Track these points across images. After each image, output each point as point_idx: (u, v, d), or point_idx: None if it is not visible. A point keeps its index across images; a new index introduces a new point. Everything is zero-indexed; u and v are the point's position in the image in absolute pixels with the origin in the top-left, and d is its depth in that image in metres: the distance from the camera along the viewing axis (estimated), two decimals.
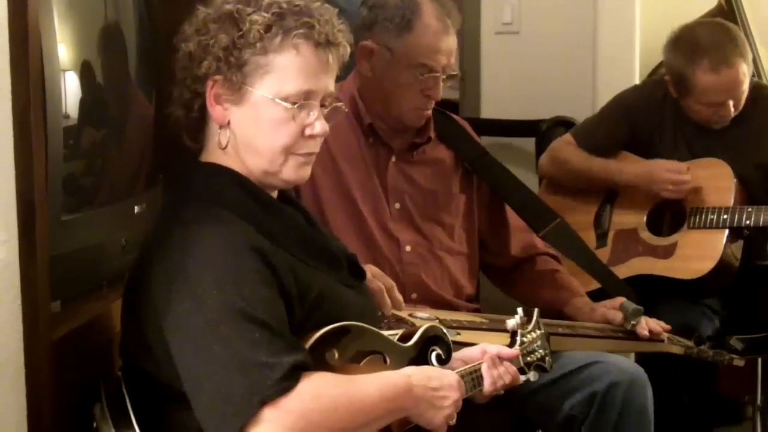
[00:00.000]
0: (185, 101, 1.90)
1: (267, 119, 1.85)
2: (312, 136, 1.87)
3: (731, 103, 3.19)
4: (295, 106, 1.84)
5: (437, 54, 2.62)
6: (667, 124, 3.36)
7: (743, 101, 3.23)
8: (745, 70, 3.18)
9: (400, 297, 2.32)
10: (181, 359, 1.71)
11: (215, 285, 1.71)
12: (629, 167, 3.32)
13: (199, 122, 1.91)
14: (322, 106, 1.88)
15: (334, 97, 1.92)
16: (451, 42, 2.65)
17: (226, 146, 1.87)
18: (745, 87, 3.20)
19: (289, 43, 1.83)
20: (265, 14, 1.83)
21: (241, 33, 1.83)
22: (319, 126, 1.87)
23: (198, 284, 1.72)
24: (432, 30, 2.63)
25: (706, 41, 3.19)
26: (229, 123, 1.87)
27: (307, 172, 1.91)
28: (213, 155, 1.90)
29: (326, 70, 1.87)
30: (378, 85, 2.67)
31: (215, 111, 1.87)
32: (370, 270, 2.26)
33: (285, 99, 1.83)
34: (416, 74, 2.62)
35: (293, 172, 1.89)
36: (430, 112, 2.71)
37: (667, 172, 3.23)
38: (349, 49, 1.93)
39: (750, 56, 3.22)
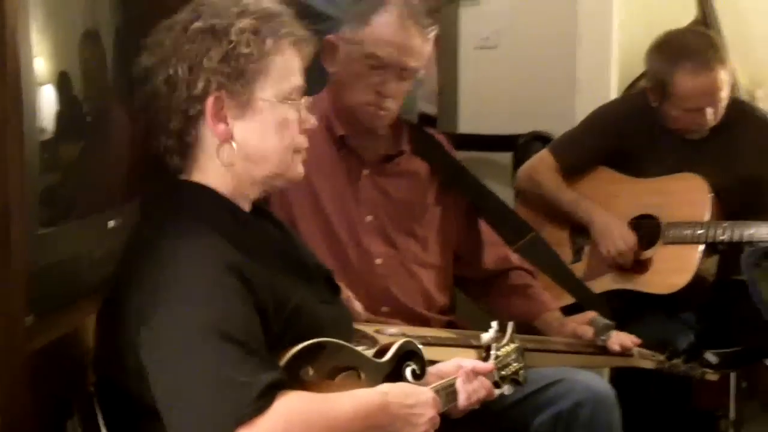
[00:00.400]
0: (177, 129, 1.88)
1: (274, 122, 1.87)
2: (306, 130, 1.92)
3: (709, 111, 3.21)
4: (297, 103, 1.89)
5: (389, 47, 2.62)
6: (646, 135, 3.38)
7: (721, 111, 3.26)
8: (725, 77, 3.21)
9: (358, 308, 2.33)
10: (155, 376, 1.71)
11: (191, 302, 1.71)
12: (593, 211, 3.33)
13: (191, 144, 1.90)
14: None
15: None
16: (408, 40, 2.63)
17: (231, 162, 1.87)
18: (724, 95, 3.23)
19: (278, 43, 1.87)
20: (247, 20, 1.85)
21: (232, 44, 1.84)
22: (312, 119, 1.94)
23: (174, 300, 1.71)
24: (388, 24, 2.63)
25: (689, 46, 3.24)
26: (231, 137, 1.87)
27: (302, 167, 1.96)
28: (196, 170, 1.90)
29: (304, 65, 1.93)
30: (337, 78, 2.69)
31: (218, 128, 1.86)
32: None
33: (287, 98, 1.88)
34: (367, 66, 2.62)
35: (295, 169, 1.94)
36: (385, 113, 2.68)
37: (619, 239, 3.24)
38: (316, 44, 1.98)
39: (730, 65, 3.24)
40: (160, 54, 1.88)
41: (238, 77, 1.84)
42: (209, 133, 1.87)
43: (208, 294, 1.72)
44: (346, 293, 2.34)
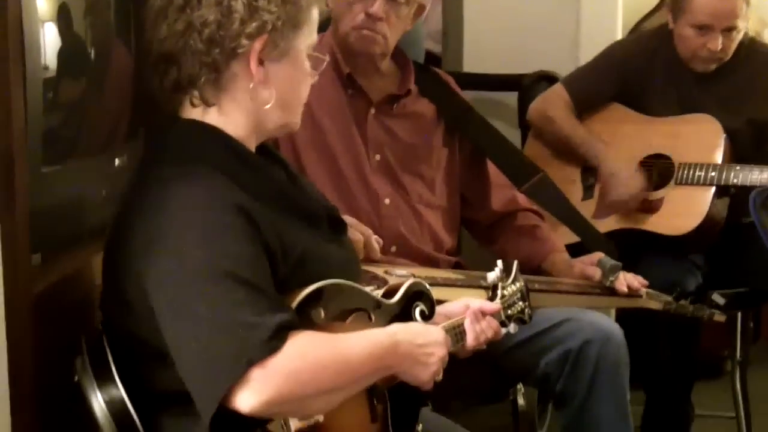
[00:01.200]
0: (214, 61, 1.82)
1: (300, 73, 1.89)
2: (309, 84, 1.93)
3: (720, 39, 3.19)
4: (314, 56, 1.90)
5: None
6: (658, 74, 3.35)
7: (732, 46, 3.23)
8: (743, 5, 3.18)
9: (376, 246, 2.32)
10: (164, 319, 1.70)
11: (198, 243, 1.69)
12: (604, 153, 3.30)
13: (221, 81, 1.84)
14: None
15: None
16: None
17: (266, 104, 1.85)
18: (739, 25, 3.21)
19: None
20: None
21: None
22: (316, 73, 1.93)
23: (180, 242, 1.70)
24: None
25: None
26: (267, 80, 1.84)
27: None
28: (211, 108, 1.86)
29: None
30: (334, 12, 2.70)
31: (258, 70, 1.83)
32: (347, 220, 2.26)
33: (313, 49, 1.90)
34: None
35: (298, 120, 1.94)
36: (378, 36, 2.66)
37: (626, 185, 3.23)
38: None
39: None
40: None
41: (291, 24, 1.84)
42: (243, 73, 1.84)
43: (215, 234, 1.70)
44: (366, 231, 2.32)
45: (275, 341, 1.64)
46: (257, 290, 1.68)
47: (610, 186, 3.26)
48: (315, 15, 1.89)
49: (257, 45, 1.82)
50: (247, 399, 1.63)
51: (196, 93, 1.85)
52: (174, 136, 1.87)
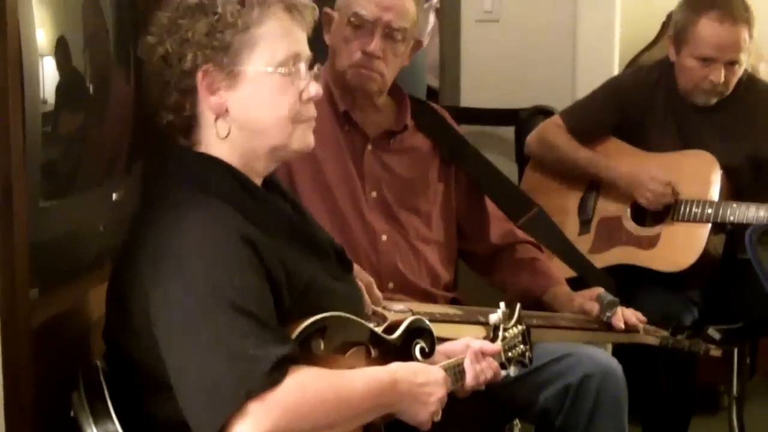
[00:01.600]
0: (174, 104, 1.87)
1: (267, 92, 1.84)
2: (309, 100, 1.88)
3: (723, 71, 3.20)
4: (289, 71, 1.85)
5: (370, 4, 2.62)
6: (658, 107, 3.36)
7: (733, 80, 3.25)
8: (747, 38, 3.20)
9: (378, 294, 2.32)
10: (167, 345, 1.70)
11: (205, 272, 1.70)
12: (615, 165, 3.31)
13: (191, 119, 1.88)
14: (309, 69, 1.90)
15: (312, 60, 1.92)
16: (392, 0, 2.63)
17: (227, 135, 1.85)
18: (741, 58, 3.22)
19: (266, 12, 1.84)
20: None
21: (217, 16, 1.82)
22: (314, 88, 1.89)
23: (188, 270, 1.70)
24: None
25: None
26: (227, 110, 1.85)
27: (312, 138, 1.92)
28: (205, 147, 1.88)
29: (303, 32, 1.90)
30: (331, 48, 2.69)
31: (211, 102, 1.84)
32: None
33: (279, 66, 1.84)
34: (351, 28, 2.62)
35: (301, 139, 1.89)
36: (375, 74, 2.66)
37: (651, 181, 3.23)
38: (317, 11, 1.94)
39: (754, 31, 3.22)
40: (158, 31, 1.87)
41: (224, 50, 1.82)
42: (206, 107, 1.86)
43: (221, 264, 1.71)
44: (366, 279, 2.32)
45: (275, 374, 1.64)
46: (260, 322, 1.68)
47: (636, 188, 3.24)
48: (270, 30, 1.84)
49: (199, 79, 1.83)
50: (244, 431, 1.62)
51: (179, 135, 1.89)
52: (183, 167, 1.88)
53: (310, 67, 1.91)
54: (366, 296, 2.22)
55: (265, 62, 1.83)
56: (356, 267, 2.29)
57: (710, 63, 3.21)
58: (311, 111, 1.91)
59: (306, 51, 1.90)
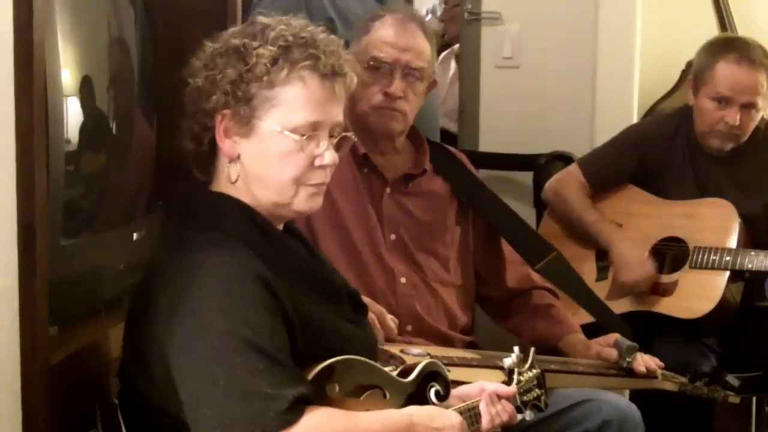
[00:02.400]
0: (195, 135, 1.90)
1: (275, 152, 1.85)
2: (322, 167, 1.87)
3: (738, 114, 3.20)
4: (304, 137, 1.84)
5: (387, 46, 2.64)
6: (677, 156, 3.36)
7: (751, 126, 3.26)
8: (764, 83, 3.21)
9: (392, 324, 2.31)
10: (183, 384, 1.70)
11: (221, 311, 1.71)
12: (614, 236, 3.31)
13: (208, 155, 1.91)
14: (331, 136, 1.89)
15: (342, 127, 1.92)
16: (406, 39, 2.66)
17: (236, 180, 1.87)
18: (759, 103, 3.23)
19: (295, 75, 1.84)
20: (272, 47, 1.83)
21: (248, 67, 1.83)
22: (329, 156, 1.87)
23: (203, 309, 1.71)
24: (386, 25, 2.67)
25: (738, 40, 3.29)
26: (239, 156, 1.86)
27: (318, 202, 1.91)
28: (221, 186, 1.90)
29: (333, 101, 1.88)
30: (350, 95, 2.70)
31: (224, 144, 1.86)
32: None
33: (293, 131, 1.83)
34: (370, 71, 2.63)
35: (304, 202, 1.89)
36: (395, 114, 2.67)
37: (635, 270, 3.23)
38: (355, 79, 1.93)
39: None
40: (201, 61, 1.89)
41: (246, 101, 1.83)
42: (222, 148, 1.88)
43: (237, 303, 1.72)
44: (378, 309, 2.32)
45: (291, 414, 1.65)
46: (276, 362, 1.69)
47: (620, 269, 3.26)
48: (293, 93, 1.84)
49: (218, 119, 1.85)
50: None
51: (197, 167, 1.91)
52: (199, 207, 1.90)
53: (341, 131, 1.91)
54: (380, 329, 2.23)
55: (281, 123, 1.84)
56: (369, 300, 2.30)
57: (726, 105, 3.22)
58: (322, 177, 1.89)
59: (334, 119, 1.88)
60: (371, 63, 2.64)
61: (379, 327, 2.26)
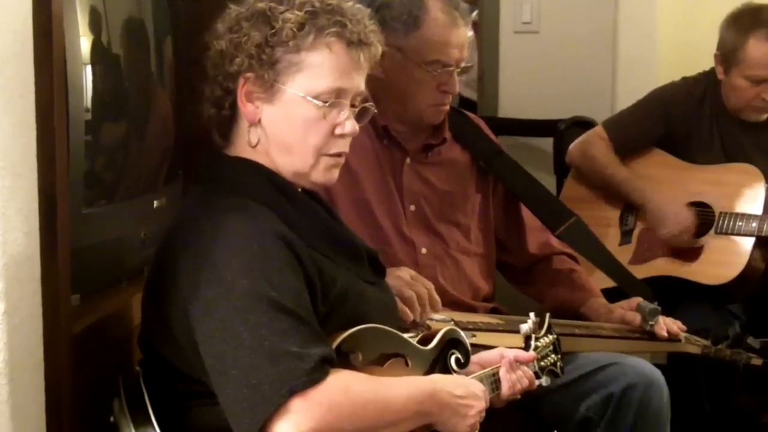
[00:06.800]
0: (216, 99, 1.89)
1: (299, 117, 1.84)
2: (342, 135, 1.87)
3: None
4: (326, 104, 1.83)
5: (448, 48, 2.59)
6: (704, 120, 3.35)
7: None
8: None
9: (437, 298, 2.31)
10: (208, 346, 1.70)
11: (244, 272, 1.71)
12: (648, 191, 3.30)
13: (229, 120, 1.90)
14: (352, 106, 1.88)
15: (363, 97, 1.92)
16: (461, 34, 2.62)
17: (256, 144, 1.87)
18: None
19: (321, 41, 1.83)
20: (298, 12, 1.83)
21: (273, 31, 1.82)
22: (350, 125, 1.87)
23: (226, 271, 1.71)
24: (441, 24, 2.59)
25: (766, 14, 3.22)
26: (260, 121, 1.86)
27: (335, 174, 1.91)
28: (241, 151, 1.89)
29: (357, 69, 1.87)
30: (392, 86, 2.62)
31: (246, 108, 1.86)
32: (409, 272, 2.29)
33: (316, 97, 1.83)
34: (430, 71, 2.59)
35: (323, 174, 1.88)
36: (448, 107, 2.68)
37: (675, 221, 3.22)
38: (380, 49, 1.92)
39: None
40: (225, 24, 1.89)
41: (271, 65, 1.83)
42: (242, 111, 1.88)
43: (261, 264, 1.72)
44: (427, 283, 2.30)
45: (318, 373, 1.65)
46: (301, 321, 1.69)
47: (658, 222, 3.25)
48: (319, 59, 1.83)
49: (239, 84, 1.85)
50: (285, 429, 1.63)
51: (217, 132, 1.91)
52: (221, 172, 1.89)
53: (362, 102, 1.91)
54: (416, 307, 2.22)
55: (305, 89, 1.83)
56: (414, 273, 2.30)
57: (762, 82, 3.20)
58: (341, 146, 1.89)
59: (357, 87, 1.88)
60: (434, 67, 2.58)
61: (425, 303, 2.25)
